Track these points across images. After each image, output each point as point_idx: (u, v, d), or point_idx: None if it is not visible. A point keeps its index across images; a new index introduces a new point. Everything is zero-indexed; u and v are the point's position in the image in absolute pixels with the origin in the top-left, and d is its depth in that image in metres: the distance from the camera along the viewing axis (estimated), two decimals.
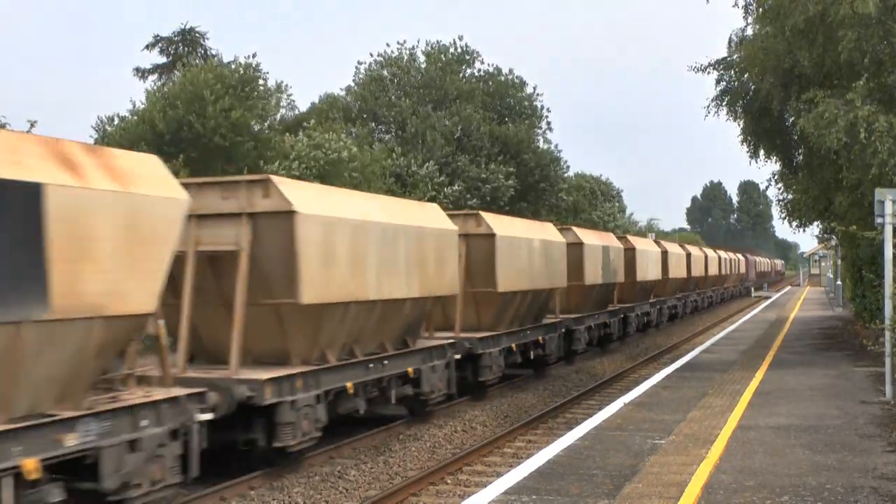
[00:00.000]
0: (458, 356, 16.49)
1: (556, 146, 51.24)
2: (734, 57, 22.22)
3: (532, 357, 20.78)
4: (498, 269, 18.27)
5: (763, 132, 22.59)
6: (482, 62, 49.47)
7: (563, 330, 22.96)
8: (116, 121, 33.99)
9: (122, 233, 8.66)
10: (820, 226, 30.04)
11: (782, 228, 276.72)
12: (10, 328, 7.62)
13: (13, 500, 7.71)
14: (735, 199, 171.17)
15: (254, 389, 11.00)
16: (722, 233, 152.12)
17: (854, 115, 16.54)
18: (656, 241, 39.80)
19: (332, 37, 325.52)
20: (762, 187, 32.83)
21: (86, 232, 8.27)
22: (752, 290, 79.15)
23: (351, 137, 37.24)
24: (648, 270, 33.30)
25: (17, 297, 7.64)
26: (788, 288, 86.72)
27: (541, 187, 46.59)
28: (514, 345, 19.26)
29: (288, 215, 11.57)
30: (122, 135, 31.63)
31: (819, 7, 16.88)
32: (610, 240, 28.89)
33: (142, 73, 47.49)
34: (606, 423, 13.00)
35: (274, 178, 12.02)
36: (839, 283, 45.70)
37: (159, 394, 9.55)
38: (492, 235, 18.29)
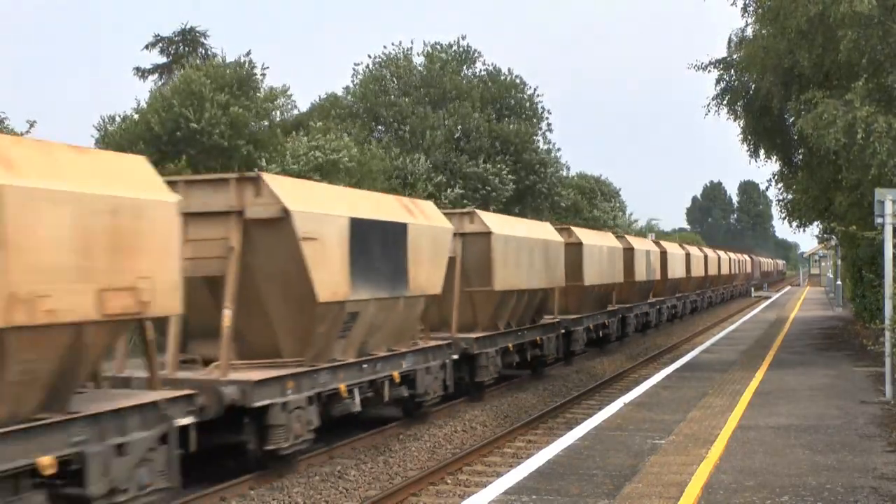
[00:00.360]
0: (562, 331, 22.67)
1: (555, 146, 51.09)
2: (734, 56, 22.22)
3: (601, 335, 26.88)
4: (584, 268, 24.41)
5: (763, 131, 22.58)
6: (483, 62, 49.48)
7: (621, 316, 29.17)
8: (118, 120, 34.05)
9: (430, 247, 15.17)
10: (820, 226, 30.04)
11: (782, 228, 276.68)
12: (395, 300, 14.11)
13: (388, 394, 14.20)
14: (735, 199, 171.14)
15: (468, 344, 17.16)
16: (722, 233, 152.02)
17: (853, 116, 16.54)
18: (680, 245, 45.65)
19: (333, 37, 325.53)
20: (762, 187, 32.89)
21: (418, 248, 14.70)
22: (752, 289, 79.14)
23: (349, 137, 37.26)
24: (676, 270, 39.20)
25: (398, 285, 14.10)
26: (788, 288, 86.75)
27: (538, 189, 46.56)
28: (591, 325, 25.46)
29: (487, 235, 18.05)
30: (121, 135, 31.65)
31: (819, 7, 16.88)
32: (650, 245, 35.17)
33: (142, 73, 47.53)
34: (606, 423, 13.01)
35: (478, 211, 18.75)
36: (839, 283, 45.73)
37: (433, 342, 15.80)
38: (580, 244, 24.50)
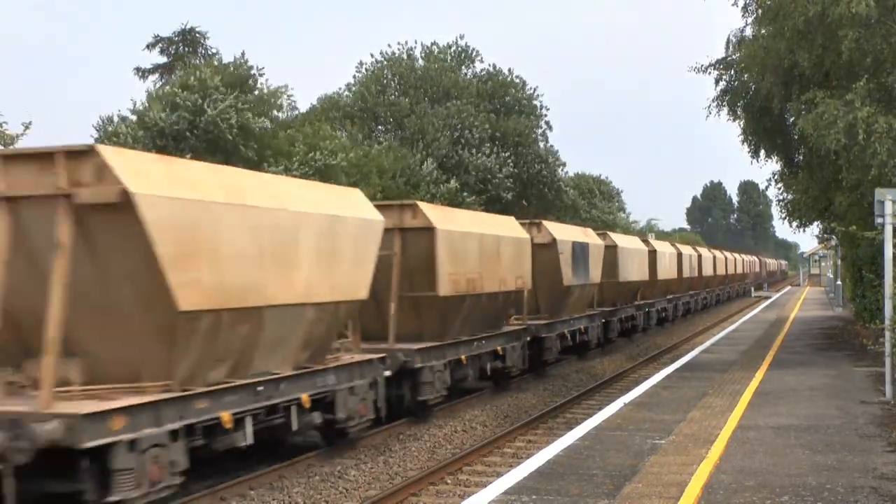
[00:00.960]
0: (642, 311, 32.82)
1: (553, 147, 50.97)
2: (734, 57, 22.20)
3: (663, 317, 37.27)
4: (658, 268, 34.38)
5: (763, 132, 22.57)
6: (482, 61, 49.47)
7: (674, 304, 40.00)
8: (116, 120, 34.05)
9: (597, 255, 25.28)
10: (820, 226, 30.03)
11: (782, 228, 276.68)
12: (584, 286, 24.05)
13: (578, 338, 24.02)
14: (735, 199, 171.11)
15: (606, 316, 27.25)
16: (722, 233, 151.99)
17: (853, 116, 16.52)
18: (710, 249, 58.36)
19: (333, 36, 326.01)
20: (762, 187, 32.96)
21: (594, 256, 24.93)
22: (753, 289, 79.20)
23: (347, 136, 37.23)
24: (706, 269, 49.96)
25: (585, 277, 24.06)
26: (788, 288, 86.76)
27: (542, 176, 46.49)
28: (663, 307, 37.05)
29: (614, 248, 28.17)
30: (119, 135, 31.63)
31: (818, 7, 16.86)
32: (690, 249, 46.71)
33: (142, 73, 47.56)
34: (606, 423, 13.00)
35: (609, 233, 28.66)
36: (839, 283, 45.74)
37: (590, 313, 25.40)
38: (654, 251, 34.41)
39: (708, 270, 50.45)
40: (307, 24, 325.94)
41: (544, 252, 21.72)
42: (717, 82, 22.38)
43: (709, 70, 22.26)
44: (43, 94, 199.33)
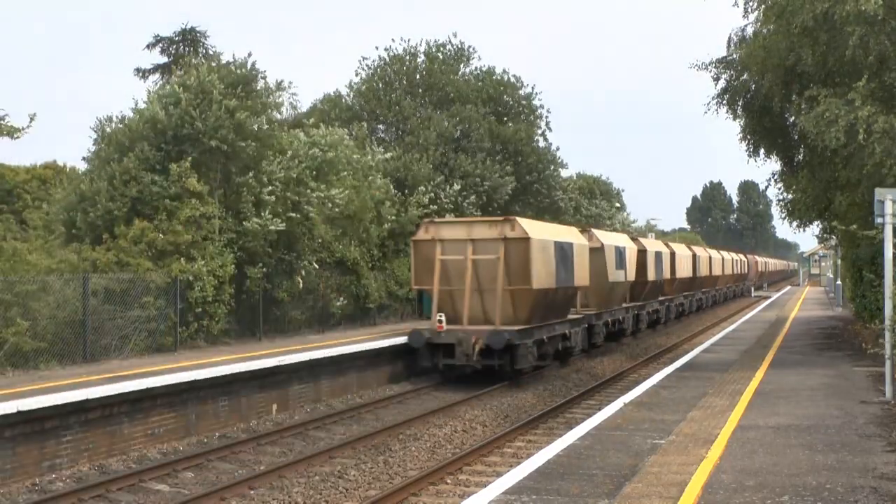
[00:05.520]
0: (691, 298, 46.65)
1: (552, 145, 50.92)
2: (734, 56, 22.19)
3: (726, 296, 58.34)
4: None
5: (763, 131, 22.55)
6: (479, 59, 49.47)
7: (718, 293, 56.79)
8: (115, 120, 33.95)
9: (689, 261, 47.61)
10: (820, 226, 30.03)
11: (782, 228, 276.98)
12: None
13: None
14: (735, 199, 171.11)
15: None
16: (722, 233, 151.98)
17: (854, 116, 16.50)
18: (748, 253, 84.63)
19: (332, 35, 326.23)
20: (762, 187, 33.01)
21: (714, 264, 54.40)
22: (752, 289, 79.43)
23: (349, 135, 37.13)
24: (749, 269, 72.82)
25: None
26: (788, 288, 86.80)
27: (535, 188, 46.54)
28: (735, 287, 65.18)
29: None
30: (120, 136, 31.56)
31: (825, 4, 16.78)
32: (737, 255, 65.26)
33: (142, 73, 47.49)
34: (606, 422, 13.00)
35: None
36: (839, 283, 45.78)
37: (681, 296, 44.83)
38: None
39: (763, 269, 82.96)
40: (307, 24, 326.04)
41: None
42: (716, 81, 22.38)
43: (709, 67, 22.26)
44: (43, 94, 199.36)
